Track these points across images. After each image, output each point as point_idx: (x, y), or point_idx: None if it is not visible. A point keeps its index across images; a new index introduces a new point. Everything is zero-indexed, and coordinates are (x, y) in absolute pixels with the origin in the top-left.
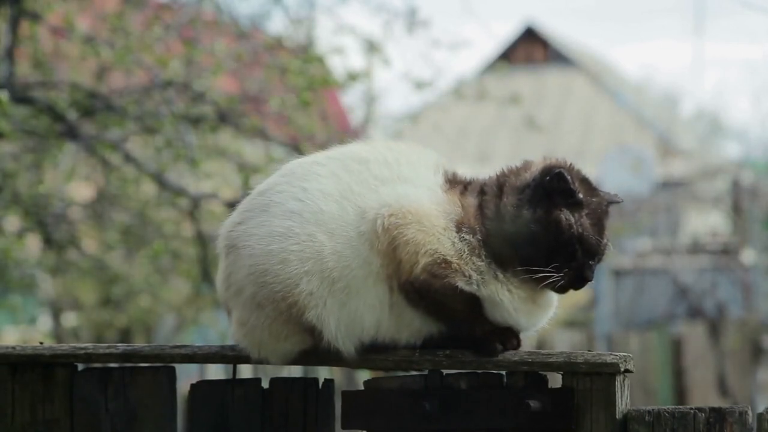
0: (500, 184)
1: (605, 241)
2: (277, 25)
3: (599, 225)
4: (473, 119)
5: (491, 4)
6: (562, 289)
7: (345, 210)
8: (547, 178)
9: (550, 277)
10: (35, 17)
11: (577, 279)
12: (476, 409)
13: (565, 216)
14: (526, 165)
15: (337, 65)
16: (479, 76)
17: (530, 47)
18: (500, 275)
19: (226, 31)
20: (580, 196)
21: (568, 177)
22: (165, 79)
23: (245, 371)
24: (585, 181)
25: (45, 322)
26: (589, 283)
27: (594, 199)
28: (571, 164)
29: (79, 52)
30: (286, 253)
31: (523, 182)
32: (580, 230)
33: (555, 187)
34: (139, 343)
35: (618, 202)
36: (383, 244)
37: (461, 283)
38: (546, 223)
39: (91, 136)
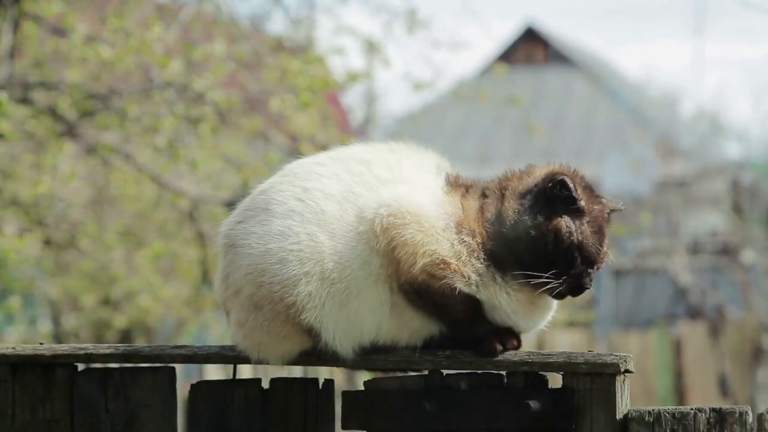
0: (502, 187)
1: (605, 249)
2: (277, 25)
3: (600, 233)
4: (473, 120)
5: (491, 4)
6: (560, 296)
7: (345, 211)
8: (550, 184)
9: (548, 283)
10: (35, 17)
11: (576, 287)
12: (476, 410)
13: (566, 223)
14: (530, 170)
15: (337, 66)
16: (479, 77)
17: (530, 47)
18: (499, 278)
19: (225, 32)
20: (582, 203)
21: (571, 184)
22: (165, 80)
23: (245, 371)
24: (588, 188)
25: (45, 322)
26: None
27: (596, 207)
28: (574, 170)
29: (79, 52)
30: (285, 253)
31: (525, 187)
32: (580, 238)
33: (557, 194)
34: (139, 344)
35: (620, 210)
36: (382, 244)
37: (460, 285)
38: (546, 229)
39: (92, 136)
